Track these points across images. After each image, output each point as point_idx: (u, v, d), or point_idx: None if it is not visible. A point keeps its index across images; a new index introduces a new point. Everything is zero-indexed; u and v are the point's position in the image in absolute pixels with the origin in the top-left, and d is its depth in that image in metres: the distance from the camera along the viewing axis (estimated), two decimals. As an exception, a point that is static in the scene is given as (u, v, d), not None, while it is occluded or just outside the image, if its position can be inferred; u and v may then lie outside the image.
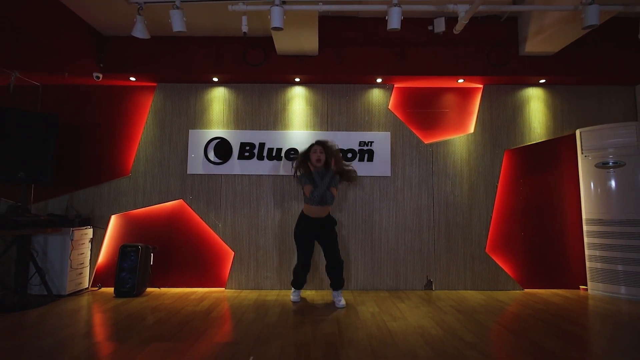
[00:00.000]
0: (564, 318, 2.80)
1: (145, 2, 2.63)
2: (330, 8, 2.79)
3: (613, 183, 3.51)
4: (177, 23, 2.64)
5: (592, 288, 3.61)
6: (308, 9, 2.76)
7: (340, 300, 3.13)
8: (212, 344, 2.24)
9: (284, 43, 3.45)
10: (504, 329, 2.56)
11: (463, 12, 2.70)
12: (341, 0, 2.91)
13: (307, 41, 3.42)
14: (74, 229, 3.50)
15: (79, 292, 3.60)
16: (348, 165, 3.27)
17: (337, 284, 3.19)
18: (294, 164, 3.26)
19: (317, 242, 3.22)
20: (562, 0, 2.93)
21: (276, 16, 2.59)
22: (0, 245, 3.36)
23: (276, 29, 2.63)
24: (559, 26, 3.16)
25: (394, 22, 2.61)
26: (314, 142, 3.22)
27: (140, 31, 2.68)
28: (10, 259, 3.36)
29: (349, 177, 3.21)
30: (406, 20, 2.79)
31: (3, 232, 3.09)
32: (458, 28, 2.87)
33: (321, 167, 3.11)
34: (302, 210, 3.22)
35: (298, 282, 3.30)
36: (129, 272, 3.47)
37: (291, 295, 3.36)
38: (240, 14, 2.80)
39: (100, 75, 3.69)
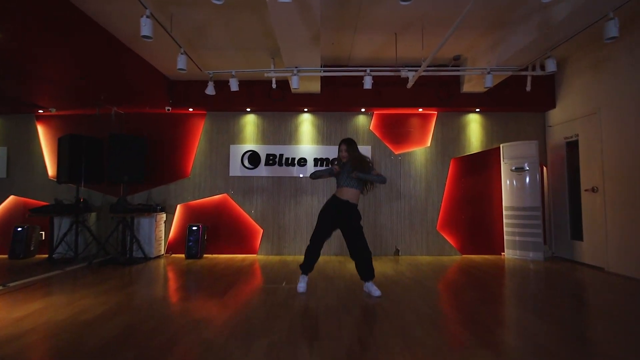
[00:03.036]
0: (480, 270, 4.50)
1: (214, 73, 4.28)
2: (327, 74, 4.44)
3: (521, 182, 5.17)
4: (234, 85, 4.29)
5: (508, 253, 5.29)
6: (313, 75, 4.40)
7: (375, 290, 3.17)
8: (258, 281, 3.94)
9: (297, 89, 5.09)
10: (434, 273, 4.25)
11: (411, 76, 4.32)
12: (334, 70, 4.54)
13: (312, 85, 5.05)
14: (156, 213, 5.21)
15: (159, 256, 5.32)
16: (372, 169, 3.32)
17: (369, 274, 3.23)
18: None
19: (340, 231, 3.34)
20: (480, 62, 4.56)
21: (295, 81, 4.23)
22: (111, 224, 5.09)
23: (295, 89, 4.27)
24: (478, 79, 4.79)
25: (367, 84, 4.23)
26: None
27: (210, 90, 4.34)
28: (117, 233, 5.08)
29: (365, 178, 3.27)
30: (380, 70, 4.38)
31: (118, 214, 4.81)
32: (409, 86, 4.49)
33: (346, 160, 3.34)
34: None
35: (306, 264, 3.35)
36: (194, 242, 5.19)
37: (299, 282, 3.35)
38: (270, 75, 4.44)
39: (170, 108, 5.36)
